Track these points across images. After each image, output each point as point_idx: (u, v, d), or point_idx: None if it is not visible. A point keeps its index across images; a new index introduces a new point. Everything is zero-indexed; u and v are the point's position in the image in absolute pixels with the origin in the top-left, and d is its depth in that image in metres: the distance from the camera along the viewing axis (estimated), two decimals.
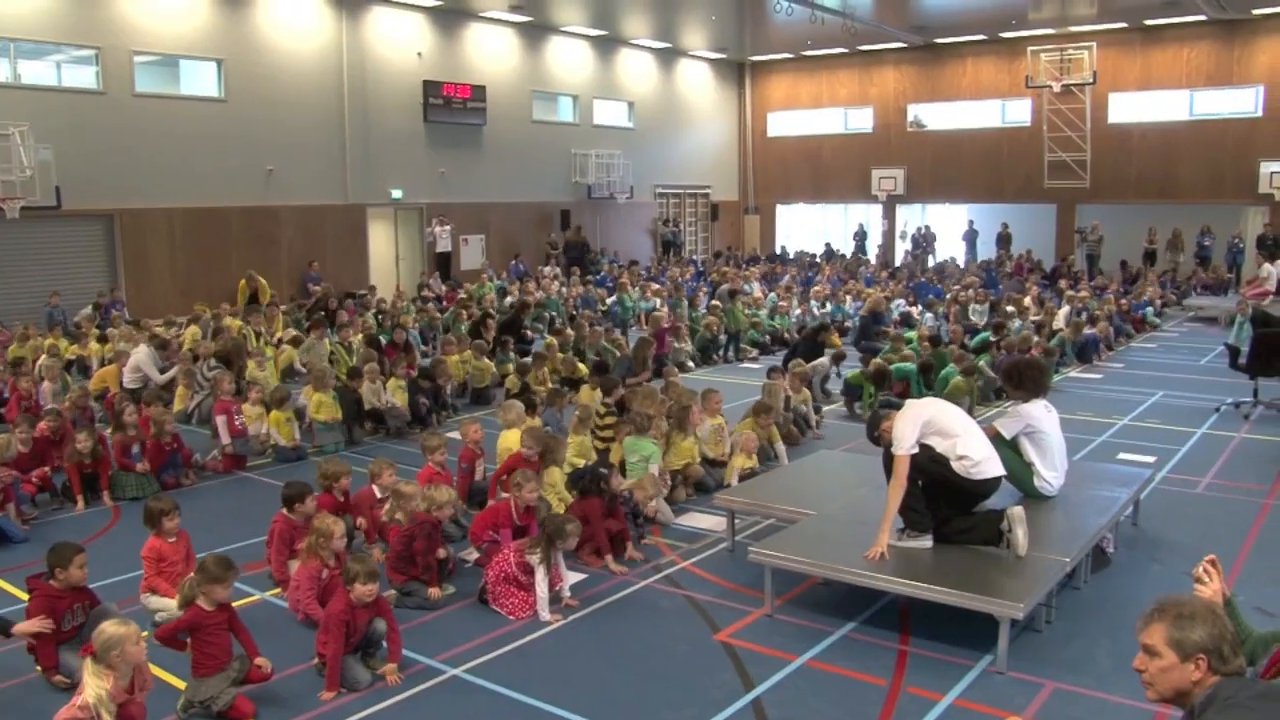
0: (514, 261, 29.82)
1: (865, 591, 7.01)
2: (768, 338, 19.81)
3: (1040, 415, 7.94)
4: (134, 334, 16.41)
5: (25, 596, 7.75)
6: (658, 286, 25.05)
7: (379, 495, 8.60)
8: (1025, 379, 8.16)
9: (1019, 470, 7.89)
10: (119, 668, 5.08)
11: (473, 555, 8.21)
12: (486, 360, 15.47)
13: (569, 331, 17.73)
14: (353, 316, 19.74)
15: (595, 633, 6.99)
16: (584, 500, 8.38)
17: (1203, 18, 29.66)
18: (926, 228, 35.87)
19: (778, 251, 38.18)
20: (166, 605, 6.81)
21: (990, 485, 7.12)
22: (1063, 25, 31.30)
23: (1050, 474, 7.91)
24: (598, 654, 6.65)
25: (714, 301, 21.05)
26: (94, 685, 5.01)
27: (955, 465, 6.96)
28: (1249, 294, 23.26)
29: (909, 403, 7.35)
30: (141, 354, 14.36)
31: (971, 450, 6.99)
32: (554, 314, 22.07)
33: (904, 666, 6.37)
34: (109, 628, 5.14)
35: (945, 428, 7.04)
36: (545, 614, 7.10)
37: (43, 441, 10.30)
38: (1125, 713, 5.77)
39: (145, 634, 5.46)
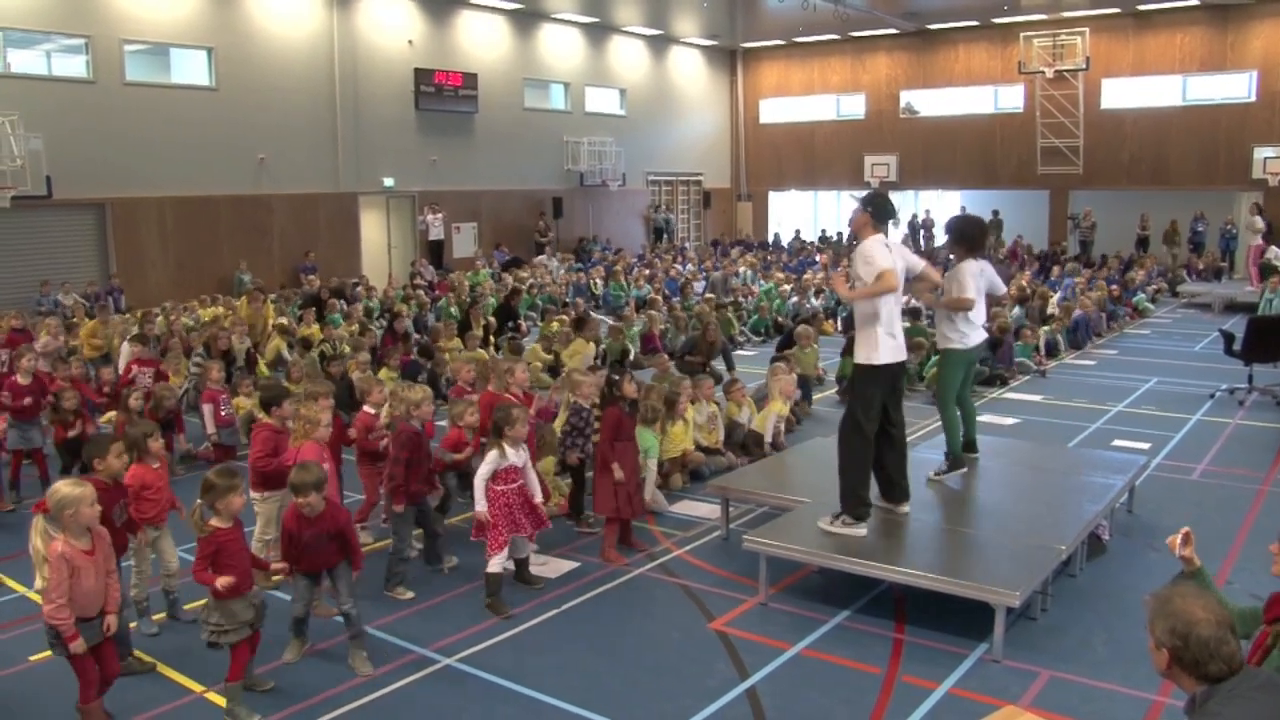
0: (497, 249, 29.77)
1: (860, 580, 6.99)
2: (766, 328, 19.85)
3: (975, 273, 8.22)
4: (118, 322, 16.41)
5: (12, 583, 7.75)
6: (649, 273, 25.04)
7: (372, 413, 8.53)
8: (965, 235, 8.49)
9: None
10: (71, 528, 5.16)
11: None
12: (480, 350, 15.41)
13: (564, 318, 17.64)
14: (353, 306, 19.70)
15: (589, 621, 6.97)
16: (606, 410, 8.34)
17: (1196, 2, 29.64)
18: (927, 213, 35.67)
19: (770, 239, 38.15)
20: (147, 533, 6.79)
21: (899, 368, 7.22)
22: (1055, 11, 31.25)
23: (969, 325, 8.22)
24: (592, 643, 6.63)
25: (708, 294, 21.02)
26: (37, 542, 5.20)
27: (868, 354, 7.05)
28: (1253, 256, 23.15)
29: (876, 239, 7.13)
30: (128, 352, 14.30)
31: (877, 332, 7.04)
32: (547, 303, 22.01)
33: (899, 655, 6.35)
34: (63, 487, 5.22)
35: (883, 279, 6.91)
36: (480, 504, 6.98)
37: (38, 382, 10.29)
38: (1121, 700, 5.76)
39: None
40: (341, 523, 6.29)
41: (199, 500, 5.76)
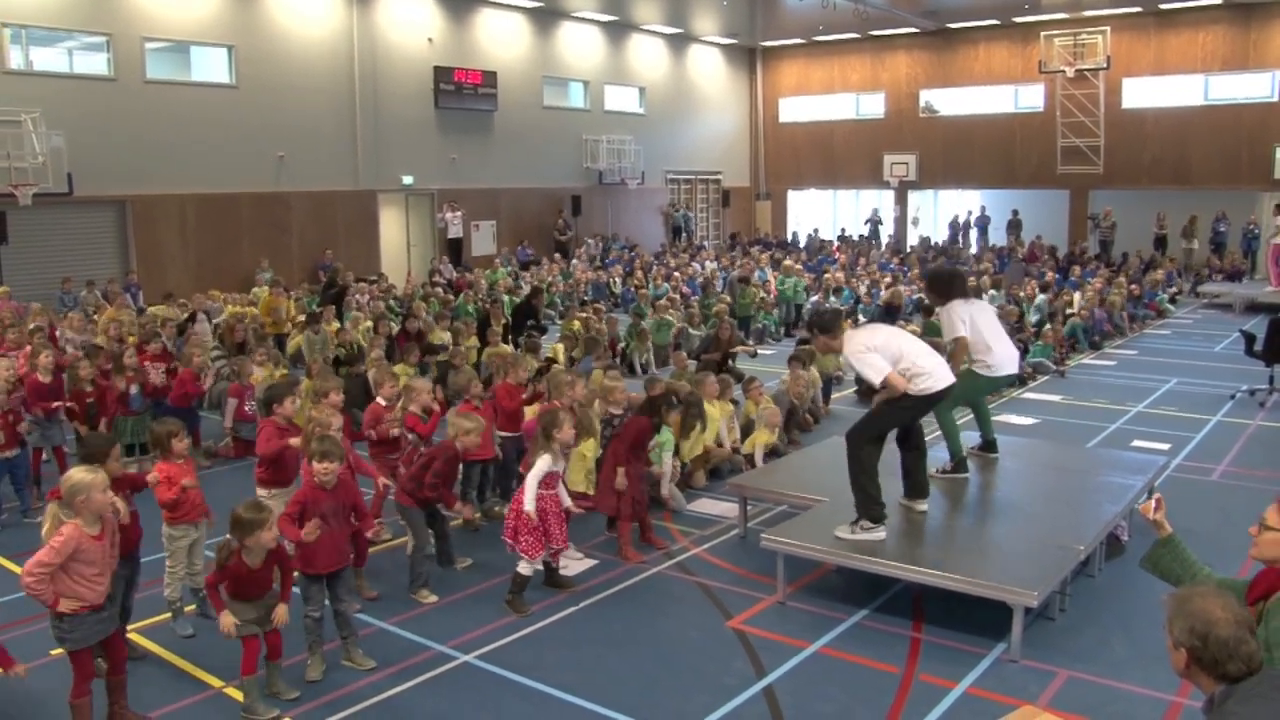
0: (520, 247, 29.83)
1: (878, 579, 6.99)
2: (782, 328, 19.90)
3: (964, 307, 8.29)
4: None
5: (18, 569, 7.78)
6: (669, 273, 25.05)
7: (384, 404, 8.57)
8: (953, 287, 8.55)
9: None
10: (83, 514, 5.17)
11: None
12: (503, 345, 15.46)
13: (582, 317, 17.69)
14: (374, 298, 19.71)
15: (607, 619, 6.99)
16: (632, 419, 8.32)
17: (1218, 1, 29.44)
18: (983, 209, 34.94)
19: (789, 237, 38.09)
20: (186, 533, 6.82)
21: (945, 394, 7.18)
22: (1076, 9, 31.06)
23: (990, 355, 8.24)
24: (610, 641, 6.65)
25: (723, 294, 21.00)
26: (50, 526, 5.20)
27: (911, 387, 6.95)
28: (1273, 256, 22.94)
29: (850, 334, 7.20)
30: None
31: (922, 364, 7.00)
32: (567, 303, 22.06)
33: (917, 654, 6.35)
34: (76, 473, 5.24)
35: (893, 353, 6.97)
36: (529, 504, 7.00)
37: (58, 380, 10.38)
38: (1139, 701, 5.75)
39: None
40: (356, 494, 6.45)
41: (227, 535, 5.75)
